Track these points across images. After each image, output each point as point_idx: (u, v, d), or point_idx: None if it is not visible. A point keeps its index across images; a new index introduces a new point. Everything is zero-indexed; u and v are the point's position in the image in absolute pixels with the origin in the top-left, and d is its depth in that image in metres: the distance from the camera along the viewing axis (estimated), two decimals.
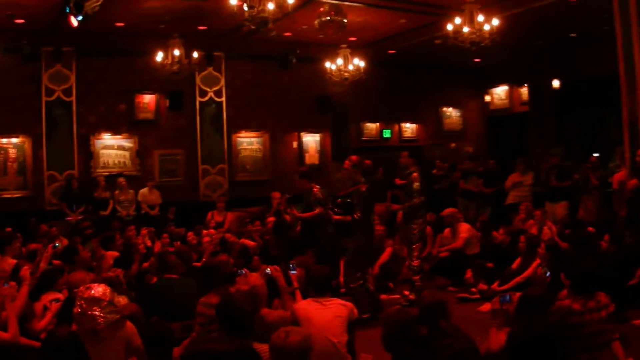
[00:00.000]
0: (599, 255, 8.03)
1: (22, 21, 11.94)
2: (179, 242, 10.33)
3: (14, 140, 13.75)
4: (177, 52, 12.84)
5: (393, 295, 9.30)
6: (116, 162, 14.71)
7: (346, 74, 13.74)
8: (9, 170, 13.67)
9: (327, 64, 13.80)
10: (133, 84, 14.93)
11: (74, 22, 9.50)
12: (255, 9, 9.04)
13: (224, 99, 15.79)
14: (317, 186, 9.07)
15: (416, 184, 8.90)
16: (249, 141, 16.30)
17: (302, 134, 16.96)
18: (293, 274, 6.06)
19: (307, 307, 5.35)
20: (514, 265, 8.84)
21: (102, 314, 4.11)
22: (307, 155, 16.94)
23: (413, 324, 4.15)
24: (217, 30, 13.34)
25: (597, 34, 13.02)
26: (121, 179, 13.97)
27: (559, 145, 14.81)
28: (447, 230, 10.59)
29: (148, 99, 15.11)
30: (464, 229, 10.38)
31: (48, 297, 5.99)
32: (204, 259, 8.38)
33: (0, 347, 4.75)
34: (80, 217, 12.82)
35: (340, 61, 13.71)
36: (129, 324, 4.47)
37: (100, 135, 14.59)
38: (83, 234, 10.36)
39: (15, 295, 5.18)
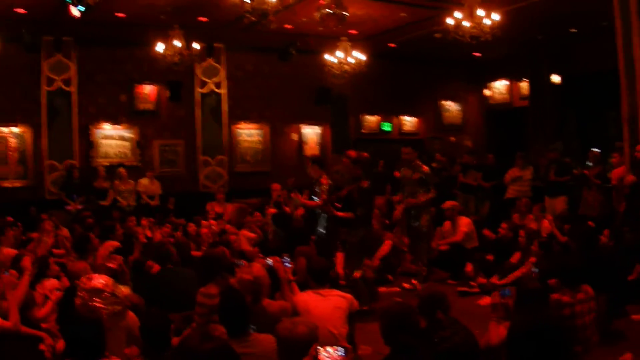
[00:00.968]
0: (598, 250, 8.06)
1: (22, 11, 11.91)
2: (179, 233, 10.35)
3: (15, 129, 13.70)
4: (177, 43, 12.80)
5: (392, 288, 9.33)
6: (117, 152, 14.69)
7: (346, 67, 13.70)
8: (10, 160, 13.62)
9: (327, 56, 13.75)
10: (133, 75, 14.93)
11: (76, 12, 9.49)
12: (256, 0, 9.02)
13: (224, 90, 15.80)
14: (326, 176, 8.98)
15: (430, 178, 9.06)
16: (248, 133, 16.29)
17: (302, 125, 16.96)
18: (288, 267, 6.05)
19: (307, 298, 5.36)
20: (513, 259, 8.87)
21: (104, 305, 4.11)
22: (306, 147, 16.91)
23: (412, 316, 4.15)
24: (218, 22, 13.31)
25: (597, 29, 13.01)
26: (121, 169, 13.96)
27: (558, 140, 14.82)
28: (447, 223, 10.61)
29: (148, 89, 15.10)
30: (464, 223, 10.39)
31: (46, 285, 6.01)
32: (203, 249, 8.41)
33: (2, 335, 4.76)
34: (80, 207, 12.82)
35: (340, 53, 13.67)
36: (130, 313, 4.49)
37: (101, 125, 14.55)
38: (83, 223, 10.37)
39: (16, 284, 5.19)
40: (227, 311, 4.44)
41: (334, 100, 16.92)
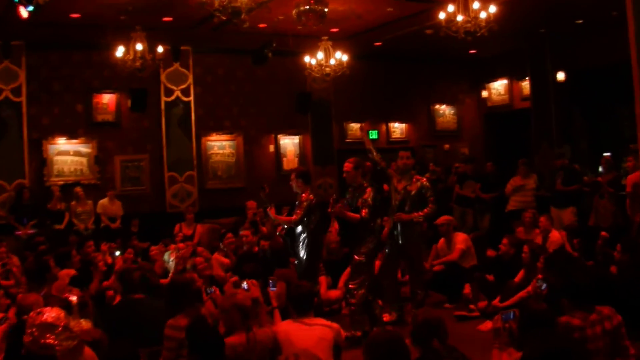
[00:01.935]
0: (612, 265, 8.07)
1: None
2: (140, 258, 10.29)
3: None
4: (139, 47, 12.77)
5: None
6: (72, 169, 14.60)
7: (328, 69, 13.71)
8: None
9: (307, 58, 13.77)
10: (91, 82, 14.88)
11: (24, 13, 9.40)
12: None
13: (192, 97, 15.75)
14: (309, 193, 8.92)
15: (429, 192, 8.99)
16: (220, 145, 16.27)
17: (279, 135, 16.96)
18: (273, 290, 6.01)
19: (288, 328, 5.32)
20: (517, 278, 8.84)
21: (57, 342, 4.05)
22: (284, 159, 16.93)
23: (400, 345, 4.12)
24: (184, 22, 13.31)
25: (606, 20, 13.08)
26: (78, 189, 13.89)
27: (565, 144, 14.87)
28: (441, 241, 10.57)
29: (107, 98, 15.05)
30: (461, 239, 10.35)
31: None
32: (170, 276, 8.33)
33: None
34: (32, 232, 12.72)
35: (321, 55, 13.69)
36: (87, 350, 4.42)
37: (54, 139, 14.47)
38: (35, 250, 10.26)
39: None
40: (197, 345, 4.39)
41: (314, 107, 16.90)
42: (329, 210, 8.08)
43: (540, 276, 8.20)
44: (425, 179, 9.18)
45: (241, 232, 11.31)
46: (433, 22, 11.66)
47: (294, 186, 8.99)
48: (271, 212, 9.15)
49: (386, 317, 8.74)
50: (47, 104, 14.44)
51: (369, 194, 8.19)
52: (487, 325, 7.51)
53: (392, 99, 18.11)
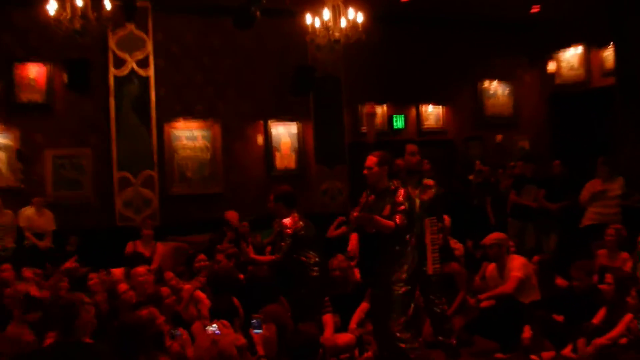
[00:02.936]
0: None
1: None
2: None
3: None
4: (80, 1, 12.73)
5: None
6: None
7: (337, 34, 13.62)
8: None
9: (309, 19, 13.69)
10: (12, 49, 14.89)
11: None
12: None
13: (151, 72, 15.75)
14: (296, 217, 9.00)
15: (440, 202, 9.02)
16: (190, 135, 16.30)
17: (271, 123, 17.00)
18: (257, 333, 5.94)
19: None
20: (596, 319, 8.76)
21: None
22: (278, 155, 17.00)
23: None
24: None
25: None
26: None
27: None
28: (491, 267, 10.52)
29: (35, 72, 15.03)
30: (518, 265, 10.26)
31: None
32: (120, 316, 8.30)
33: None
34: None
35: (327, 14, 13.60)
36: None
37: None
38: None
39: None
40: None
41: (319, 85, 16.90)
42: (330, 234, 8.09)
43: (629, 316, 8.14)
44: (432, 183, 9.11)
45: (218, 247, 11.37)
46: None
47: (272, 210, 9.06)
48: (248, 249, 9.26)
49: None
50: None
51: (402, 195, 8.01)
52: None
53: (424, 74, 18.16)
